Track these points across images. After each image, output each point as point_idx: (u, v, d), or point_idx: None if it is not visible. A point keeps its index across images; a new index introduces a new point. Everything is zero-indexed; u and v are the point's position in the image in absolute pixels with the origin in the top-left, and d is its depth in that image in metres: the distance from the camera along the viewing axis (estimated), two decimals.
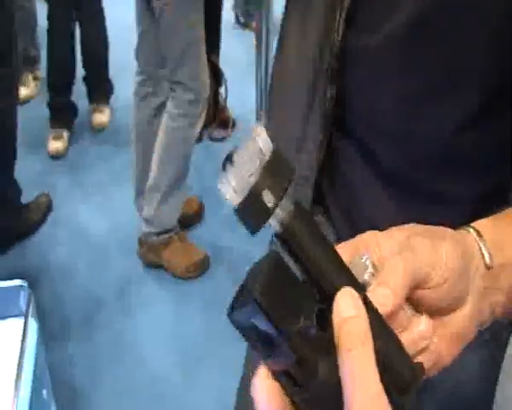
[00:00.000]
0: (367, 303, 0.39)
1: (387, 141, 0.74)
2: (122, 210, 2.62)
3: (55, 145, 3.00)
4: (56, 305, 2.24)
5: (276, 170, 0.36)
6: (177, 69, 2.15)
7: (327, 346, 0.37)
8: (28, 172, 2.84)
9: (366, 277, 0.44)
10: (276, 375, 0.38)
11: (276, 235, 0.38)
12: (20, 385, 0.95)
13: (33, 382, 1.00)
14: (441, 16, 0.64)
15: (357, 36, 0.71)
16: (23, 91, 3.33)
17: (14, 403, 0.92)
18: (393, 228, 0.49)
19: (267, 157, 0.36)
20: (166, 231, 2.34)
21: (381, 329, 0.41)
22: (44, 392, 1.08)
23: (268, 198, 0.36)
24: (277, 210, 0.37)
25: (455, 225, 0.52)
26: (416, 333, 0.45)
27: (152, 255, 2.38)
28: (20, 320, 0.96)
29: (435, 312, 0.47)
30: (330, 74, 0.74)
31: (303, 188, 0.81)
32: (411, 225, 0.50)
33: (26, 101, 3.34)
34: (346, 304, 0.37)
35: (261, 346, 0.37)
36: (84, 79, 3.14)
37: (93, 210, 2.69)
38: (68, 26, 2.94)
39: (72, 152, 3.04)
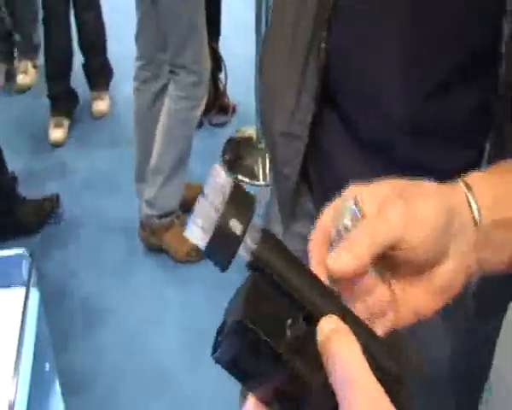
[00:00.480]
0: (350, 319, 0.40)
1: (365, 106, 0.76)
2: (124, 195, 2.62)
3: (56, 134, 2.99)
4: (59, 280, 2.25)
5: (238, 201, 0.39)
6: (179, 53, 2.15)
7: (316, 362, 0.37)
8: (29, 162, 2.84)
9: (347, 221, 0.46)
10: (268, 403, 0.38)
11: (249, 264, 0.39)
12: (21, 356, 0.95)
13: (35, 354, 1.00)
14: None
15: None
16: (23, 79, 3.33)
17: (15, 375, 0.92)
18: (378, 183, 0.50)
19: (229, 191, 0.39)
20: (167, 215, 2.34)
21: (368, 338, 0.41)
22: (47, 365, 1.08)
23: (235, 226, 0.38)
24: (246, 238, 0.38)
25: None
26: (375, 300, 0.47)
27: (153, 239, 2.38)
28: (22, 289, 0.96)
29: (416, 267, 0.48)
30: (325, 36, 0.75)
31: (295, 144, 0.82)
32: (397, 180, 0.50)
33: (27, 89, 3.34)
34: (329, 327, 0.38)
35: (250, 373, 0.37)
36: (84, 66, 3.14)
37: (95, 196, 2.69)
38: (64, 13, 2.92)
39: (72, 140, 3.04)
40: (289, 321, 0.38)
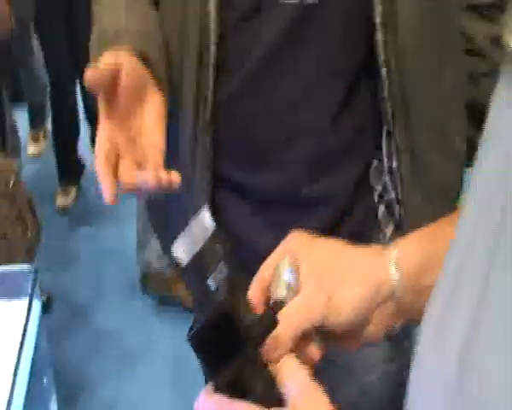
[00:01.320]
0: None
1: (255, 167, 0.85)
2: (127, 253, 2.72)
3: (63, 201, 3.12)
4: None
5: (215, 243, 0.50)
6: None
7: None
8: None
9: (283, 294, 0.52)
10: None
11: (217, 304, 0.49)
12: (18, 368, 1.02)
13: (32, 367, 1.07)
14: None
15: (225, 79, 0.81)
16: (34, 149, 3.47)
17: (11, 386, 0.97)
18: (315, 245, 0.56)
19: (210, 234, 0.51)
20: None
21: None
22: (45, 379, 1.15)
23: (211, 258, 0.50)
24: (220, 266, 0.50)
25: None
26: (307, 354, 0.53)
27: (162, 288, 2.46)
28: (24, 302, 1.05)
29: (339, 331, 0.54)
30: (208, 125, 0.83)
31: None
32: (331, 247, 0.56)
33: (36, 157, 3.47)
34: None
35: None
36: (91, 137, 3.30)
37: (100, 253, 2.79)
38: (71, 86, 3.06)
39: (79, 205, 3.16)
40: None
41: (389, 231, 0.86)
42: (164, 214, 0.99)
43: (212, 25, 0.77)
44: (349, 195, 0.85)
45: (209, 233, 0.50)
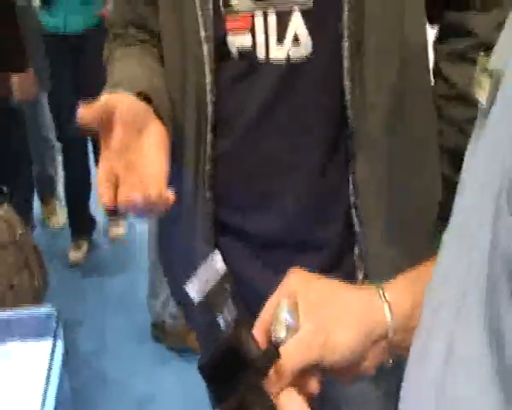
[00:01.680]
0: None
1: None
2: (137, 302, 2.76)
3: (75, 255, 3.19)
4: None
5: (225, 283, 0.56)
6: None
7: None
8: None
9: (282, 335, 0.56)
10: None
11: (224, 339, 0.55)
12: (44, 406, 1.07)
13: (56, 407, 1.12)
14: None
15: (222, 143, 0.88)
16: (54, 221, 3.51)
17: None
18: (313, 284, 0.60)
19: (221, 275, 0.57)
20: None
21: None
22: None
23: (221, 297, 0.56)
24: (229, 305, 0.55)
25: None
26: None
27: (176, 340, 2.49)
28: (49, 342, 1.11)
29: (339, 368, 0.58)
30: (208, 176, 0.88)
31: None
32: (329, 287, 0.60)
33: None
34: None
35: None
36: None
37: (109, 310, 2.84)
38: (82, 148, 3.15)
39: (90, 260, 3.24)
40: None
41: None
42: (171, 255, 1.05)
43: (209, 86, 0.84)
44: (342, 239, 0.89)
45: (220, 275, 0.55)
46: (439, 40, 0.93)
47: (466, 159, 0.42)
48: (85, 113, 0.69)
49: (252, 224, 0.91)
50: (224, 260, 0.89)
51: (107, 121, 0.71)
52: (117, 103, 0.73)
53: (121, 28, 0.96)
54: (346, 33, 0.79)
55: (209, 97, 0.85)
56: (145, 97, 0.79)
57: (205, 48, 0.83)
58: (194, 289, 0.55)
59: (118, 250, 3.32)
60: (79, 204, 3.24)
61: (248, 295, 0.79)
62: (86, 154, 3.19)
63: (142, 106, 0.77)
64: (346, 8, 0.78)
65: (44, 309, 1.12)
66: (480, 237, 0.35)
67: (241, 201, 0.91)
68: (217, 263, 0.56)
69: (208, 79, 0.84)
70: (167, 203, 0.72)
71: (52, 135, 3.24)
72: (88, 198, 3.26)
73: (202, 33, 0.83)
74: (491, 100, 0.37)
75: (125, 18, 0.95)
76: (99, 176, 0.70)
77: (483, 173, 0.36)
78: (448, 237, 0.42)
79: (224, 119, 0.87)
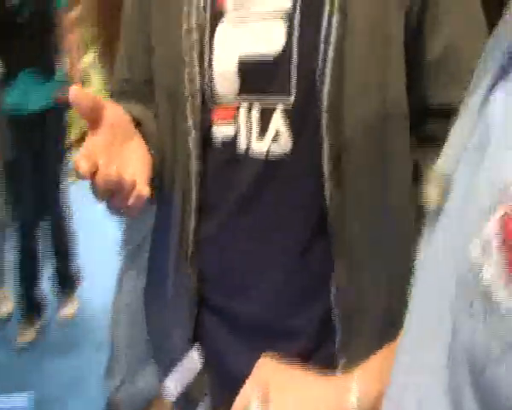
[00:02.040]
0: None
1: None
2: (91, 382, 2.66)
3: (24, 337, 3.07)
4: None
5: (203, 375, 0.60)
6: None
7: None
8: None
9: None
10: None
11: None
12: None
13: None
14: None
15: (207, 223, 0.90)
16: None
17: None
18: (283, 373, 0.63)
19: (198, 370, 0.62)
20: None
21: None
22: None
23: (199, 390, 0.60)
24: (207, 398, 0.60)
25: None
26: None
27: None
28: None
29: None
30: (190, 257, 0.90)
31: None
32: (300, 377, 0.64)
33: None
34: None
35: None
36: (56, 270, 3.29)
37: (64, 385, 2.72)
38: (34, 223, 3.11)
39: (39, 341, 3.10)
40: None
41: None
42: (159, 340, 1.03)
43: (194, 173, 0.87)
44: (320, 327, 0.88)
45: (198, 369, 0.59)
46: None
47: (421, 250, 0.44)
48: (78, 91, 0.70)
49: (230, 305, 0.91)
50: (203, 335, 0.89)
51: (96, 115, 0.73)
52: (106, 104, 0.75)
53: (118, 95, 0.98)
54: (325, 135, 0.79)
55: (193, 181, 0.87)
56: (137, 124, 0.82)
57: (191, 136, 0.86)
58: (173, 385, 0.57)
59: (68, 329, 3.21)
60: (28, 285, 3.15)
61: (224, 375, 0.80)
62: (36, 234, 3.15)
63: (129, 119, 0.80)
64: (324, 108, 0.79)
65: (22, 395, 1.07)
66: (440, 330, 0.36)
67: (221, 282, 0.92)
68: (195, 359, 0.59)
69: (194, 165, 0.87)
70: (141, 196, 0.73)
71: None
72: (37, 279, 3.19)
73: (190, 122, 0.86)
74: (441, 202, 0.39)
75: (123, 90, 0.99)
76: (81, 152, 0.71)
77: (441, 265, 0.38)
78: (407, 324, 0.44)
79: (208, 205, 0.89)
